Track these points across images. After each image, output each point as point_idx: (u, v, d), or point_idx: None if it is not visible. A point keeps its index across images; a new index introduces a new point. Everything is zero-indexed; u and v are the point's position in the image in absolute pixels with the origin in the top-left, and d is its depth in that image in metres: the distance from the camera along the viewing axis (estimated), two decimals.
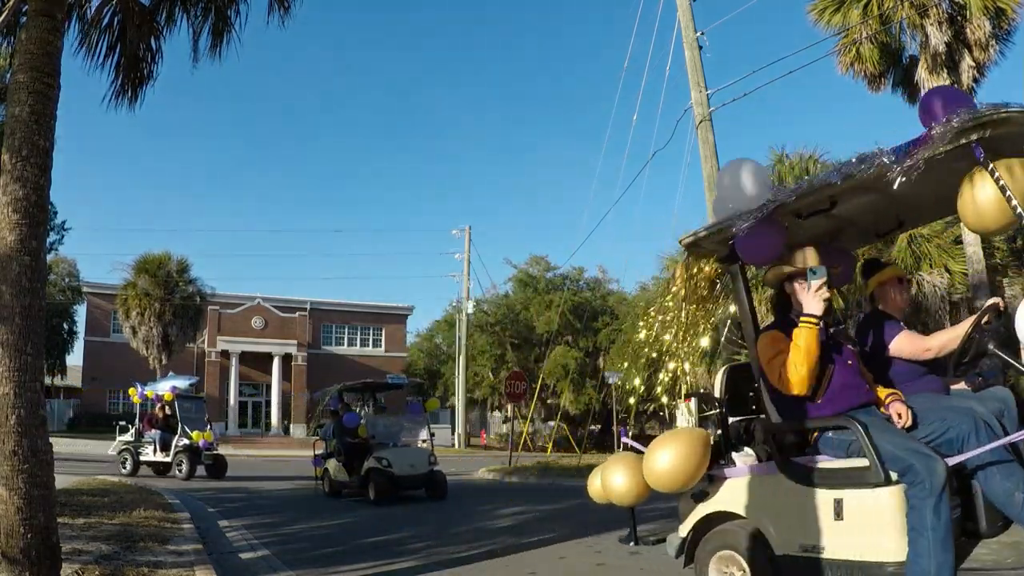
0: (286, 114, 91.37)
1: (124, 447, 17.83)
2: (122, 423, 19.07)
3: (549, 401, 40.72)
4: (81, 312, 50.17)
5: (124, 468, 17.32)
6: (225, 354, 42.94)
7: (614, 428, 33.94)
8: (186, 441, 16.62)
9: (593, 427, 38.04)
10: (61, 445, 19.76)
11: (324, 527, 8.96)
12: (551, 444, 29.57)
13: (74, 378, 50.47)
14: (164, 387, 18.27)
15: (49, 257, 26.90)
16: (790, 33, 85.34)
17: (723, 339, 13.71)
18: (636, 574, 5.42)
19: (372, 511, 10.62)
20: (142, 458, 17.38)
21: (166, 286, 35.07)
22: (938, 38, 14.01)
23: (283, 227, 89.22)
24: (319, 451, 14.06)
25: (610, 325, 39.99)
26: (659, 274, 24.05)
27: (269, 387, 44.35)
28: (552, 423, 36.77)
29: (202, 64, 6.29)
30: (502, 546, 6.91)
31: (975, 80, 14.85)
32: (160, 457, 17.09)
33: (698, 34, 13.92)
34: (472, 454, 33.69)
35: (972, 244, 14.39)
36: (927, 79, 14.74)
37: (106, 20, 5.91)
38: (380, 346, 50.27)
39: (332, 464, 13.02)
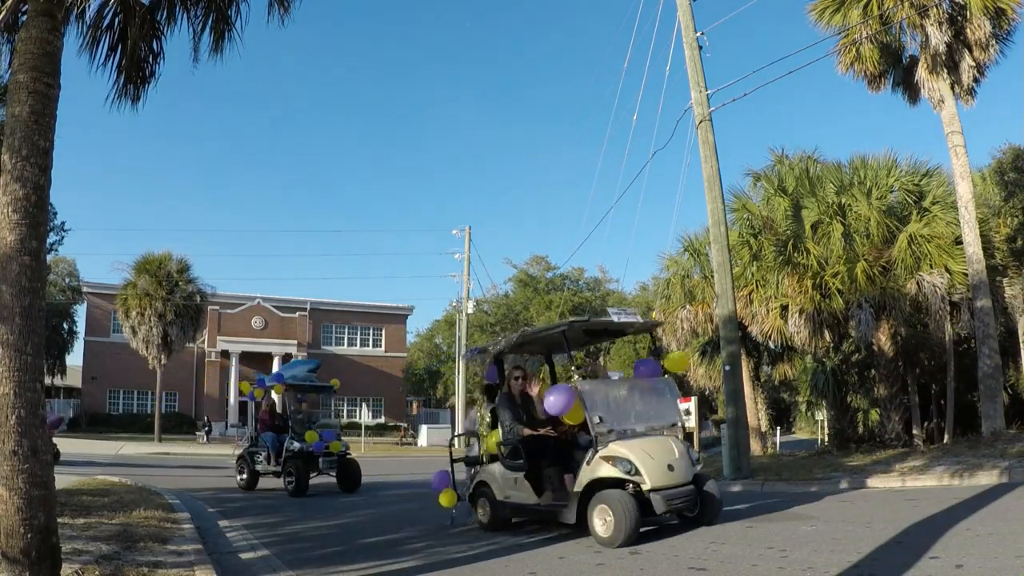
0: (286, 114, 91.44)
1: (240, 454, 14.77)
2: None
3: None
4: (81, 312, 50.31)
5: (240, 479, 14.44)
6: (225, 354, 42.96)
7: None
8: (297, 445, 13.17)
9: None
10: (62, 446, 19.78)
11: (324, 527, 8.96)
12: None
13: (74, 378, 50.50)
14: (288, 374, 14.98)
15: (49, 257, 26.90)
16: (790, 33, 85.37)
17: (722, 340, 13.71)
18: (636, 574, 5.42)
19: (372, 512, 10.61)
20: (258, 467, 14.10)
21: (166, 286, 35.06)
22: (938, 38, 14.00)
23: (283, 227, 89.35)
24: (465, 453, 9.21)
25: None
26: (659, 274, 24.03)
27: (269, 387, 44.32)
28: None
29: (203, 64, 6.28)
30: (502, 546, 6.91)
31: (975, 80, 14.85)
32: (273, 466, 13.67)
33: (698, 34, 13.90)
34: None
35: (972, 244, 14.39)
36: (927, 79, 14.75)
37: (107, 20, 5.89)
38: (380, 346, 50.27)
39: (498, 474, 7.90)
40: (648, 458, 6.63)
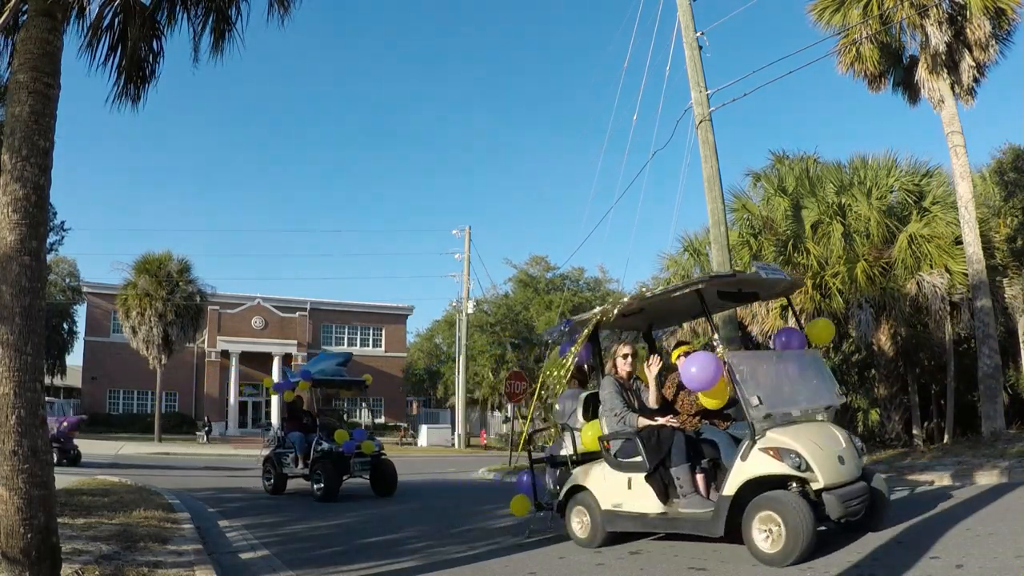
0: (286, 114, 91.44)
1: (267, 456, 13.67)
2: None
3: (549, 401, 40.69)
4: (81, 312, 50.34)
5: (266, 483, 13.43)
6: (225, 354, 42.95)
7: None
8: (326, 445, 12.11)
9: None
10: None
11: (324, 527, 8.95)
12: (550, 443, 29.50)
13: (74, 378, 50.51)
14: (315, 369, 13.73)
15: (49, 257, 26.88)
16: (790, 33, 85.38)
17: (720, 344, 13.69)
18: (636, 574, 5.42)
19: (372, 511, 10.60)
20: (285, 470, 13.05)
21: (166, 286, 35.06)
22: (938, 38, 13.99)
23: (283, 227, 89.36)
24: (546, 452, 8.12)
25: None
26: (659, 274, 24.00)
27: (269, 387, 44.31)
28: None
29: (203, 64, 6.28)
30: (502, 546, 6.91)
31: (975, 80, 14.84)
32: (302, 469, 12.59)
33: (698, 34, 13.91)
34: (472, 454, 33.67)
35: (972, 244, 14.39)
36: (927, 79, 14.74)
37: (107, 20, 5.90)
38: (380, 346, 50.26)
39: (603, 477, 6.51)
40: (817, 449, 5.35)
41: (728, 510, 5.42)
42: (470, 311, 40.85)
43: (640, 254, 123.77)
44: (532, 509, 7.30)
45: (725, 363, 5.61)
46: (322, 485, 11.73)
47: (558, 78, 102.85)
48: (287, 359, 43.58)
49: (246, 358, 43.23)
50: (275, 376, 43.27)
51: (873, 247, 16.58)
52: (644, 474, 6.02)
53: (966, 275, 15.12)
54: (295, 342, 44.14)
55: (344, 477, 12.06)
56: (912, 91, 15.77)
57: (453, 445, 40.01)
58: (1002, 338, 17.36)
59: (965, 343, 18.57)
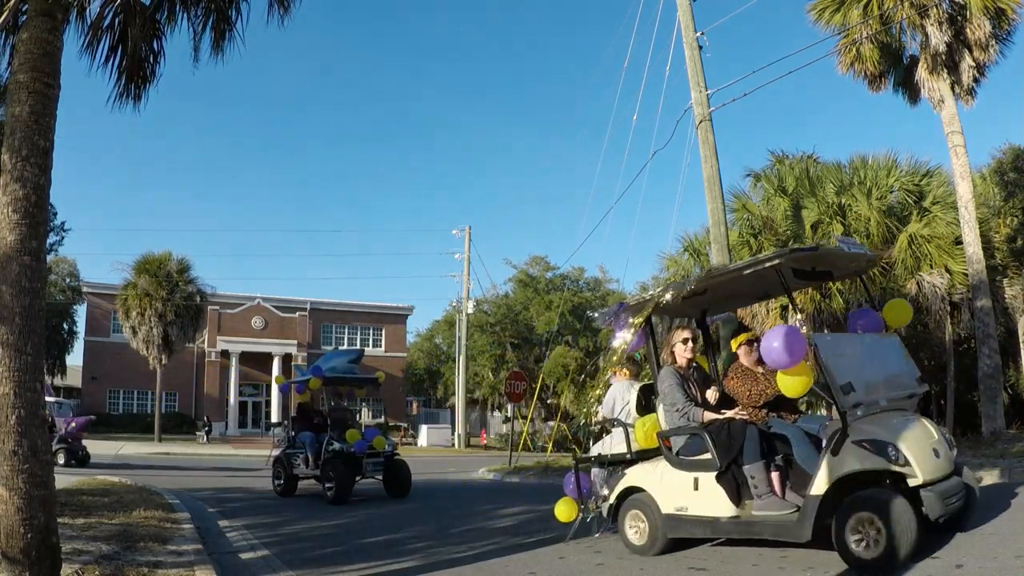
0: (286, 114, 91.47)
1: (277, 457, 13.19)
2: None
3: (549, 401, 40.74)
4: (81, 312, 50.33)
5: (275, 485, 12.95)
6: (225, 354, 42.96)
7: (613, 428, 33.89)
8: (337, 445, 11.67)
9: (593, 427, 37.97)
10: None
11: (324, 527, 8.95)
12: (551, 444, 29.56)
13: (74, 378, 50.50)
14: (327, 366, 13.09)
15: (49, 257, 26.90)
16: (790, 33, 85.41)
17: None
18: (636, 574, 5.42)
19: (372, 511, 10.60)
20: (296, 471, 12.57)
21: (166, 286, 35.07)
22: (938, 38, 14.00)
23: (283, 227, 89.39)
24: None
25: None
26: (659, 274, 24.01)
27: (269, 387, 44.35)
28: (552, 423, 36.76)
29: (203, 64, 6.29)
30: (502, 546, 6.91)
31: (975, 80, 14.85)
32: (312, 470, 12.13)
33: (698, 34, 13.92)
34: (472, 454, 33.68)
35: (972, 244, 14.40)
36: (927, 79, 14.74)
37: (108, 20, 5.91)
38: (380, 346, 50.26)
39: (664, 477, 5.92)
40: (913, 442, 4.82)
41: (816, 511, 4.85)
42: (470, 311, 40.87)
43: (640, 254, 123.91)
44: (580, 514, 6.62)
45: (811, 344, 4.99)
46: (333, 487, 11.28)
47: (558, 78, 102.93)
48: (287, 359, 43.58)
49: (246, 358, 43.25)
50: (275, 376, 43.38)
51: (873, 247, 16.57)
52: (714, 473, 5.44)
53: (966, 275, 15.13)
54: (295, 342, 44.15)
55: (356, 478, 11.61)
56: (912, 91, 15.78)
57: (453, 445, 40.02)
58: (1002, 338, 17.37)
59: (965, 343, 18.57)
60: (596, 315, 8.03)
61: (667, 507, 5.75)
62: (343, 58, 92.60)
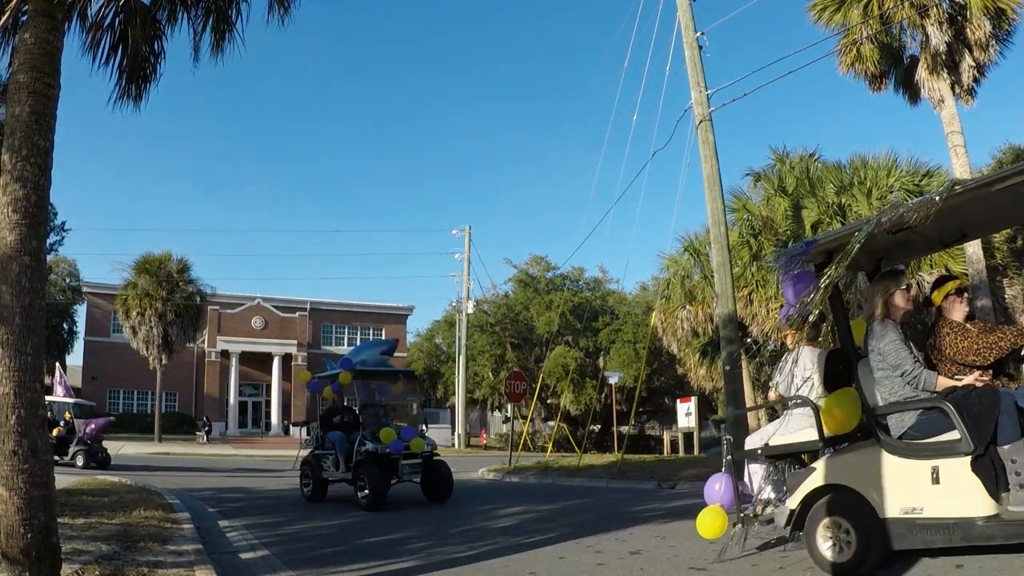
0: (286, 114, 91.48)
1: (305, 459, 12.14)
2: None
3: (549, 401, 40.75)
4: (81, 312, 50.30)
5: (304, 490, 11.97)
6: (225, 354, 42.96)
7: (613, 428, 33.98)
8: (370, 446, 10.64)
9: (593, 427, 38.06)
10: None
11: (324, 527, 8.95)
12: (551, 444, 29.60)
13: (74, 378, 50.43)
14: (357, 359, 11.99)
15: (49, 257, 26.89)
16: (790, 33, 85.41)
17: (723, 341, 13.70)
18: (636, 574, 5.42)
19: (372, 511, 10.58)
20: (325, 474, 11.55)
21: (166, 286, 35.08)
22: (938, 38, 14.01)
23: (283, 227, 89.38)
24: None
25: (610, 325, 40.03)
26: (659, 274, 24.00)
27: (269, 387, 44.38)
28: (552, 423, 36.77)
29: (203, 64, 6.29)
30: (502, 546, 6.91)
31: (975, 80, 14.87)
32: (343, 472, 11.09)
33: (698, 34, 13.92)
34: (472, 454, 33.69)
35: (972, 244, 14.40)
36: (927, 79, 14.76)
37: (108, 20, 5.90)
38: None
39: (883, 468, 4.48)
40: None
41: None
42: (470, 311, 40.86)
43: (640, 254, 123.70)
44: (736, 525, 5.18)
45: None
46: (367, 492, 10.26)
47: (558, 78, 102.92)
48: (287, 359, 43.60)
49: (246, 358, 43.26)
50: (275, 376, 43.38)
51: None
52: (966, 459, 4.06)
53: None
54: (295, 342, 44.16)
55: (392, 481, 10.68)
56: (912, 91, 15.80)
57: (453, 445, 40.02)
58: None
59: None
60: (774, 258, 5.62)
61: (893, 509, 4.33)
62: (343, 59, 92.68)
